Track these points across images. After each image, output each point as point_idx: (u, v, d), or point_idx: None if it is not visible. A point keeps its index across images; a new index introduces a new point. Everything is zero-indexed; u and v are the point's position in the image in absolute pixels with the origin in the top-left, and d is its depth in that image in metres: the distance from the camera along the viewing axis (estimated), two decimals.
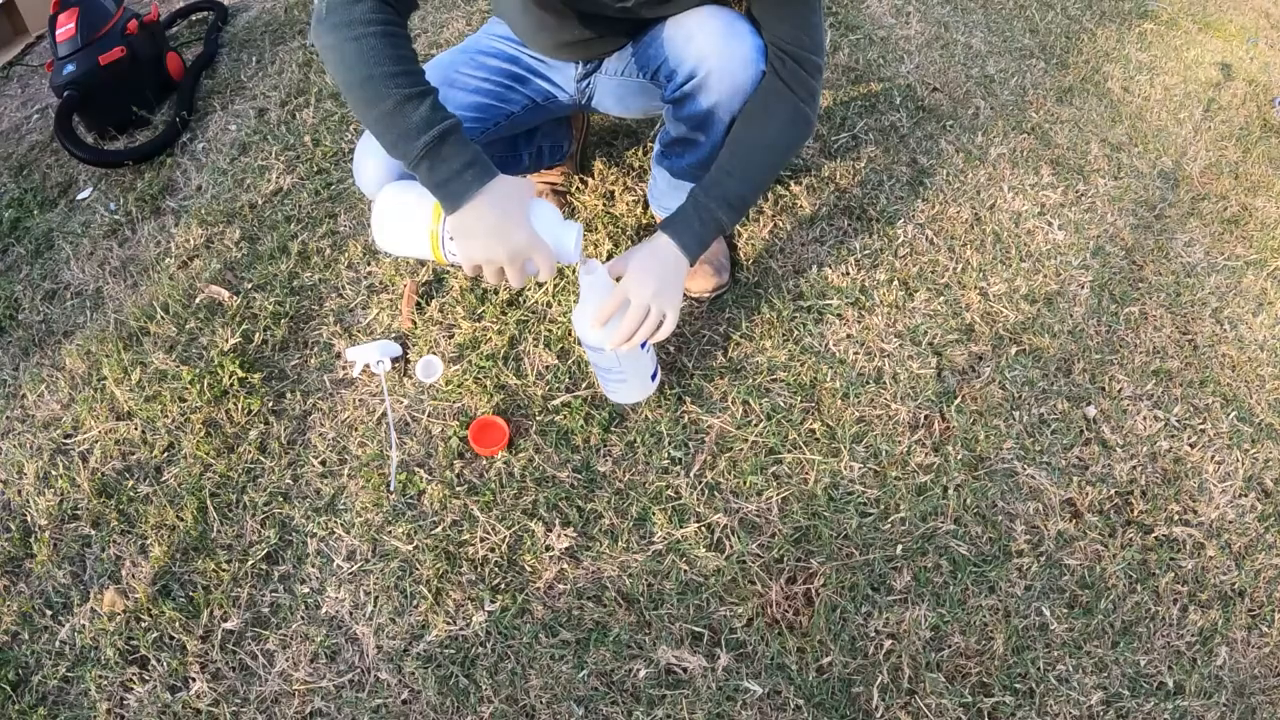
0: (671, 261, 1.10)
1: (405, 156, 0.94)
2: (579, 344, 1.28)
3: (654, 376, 1.30)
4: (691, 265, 1.12)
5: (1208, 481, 1.34)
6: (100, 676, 1.09)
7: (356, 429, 1.32)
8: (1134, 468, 1.34)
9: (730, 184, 1.11)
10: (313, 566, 1.19)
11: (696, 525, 1.21)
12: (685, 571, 1.18)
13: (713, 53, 1.09)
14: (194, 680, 1.09)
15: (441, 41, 2.07)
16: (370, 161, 1.15)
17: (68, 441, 1.33)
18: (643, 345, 1.18)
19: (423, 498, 1.24)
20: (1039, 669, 1.13)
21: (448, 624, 1.13)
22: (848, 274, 1.54)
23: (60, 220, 1.73)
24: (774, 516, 1.23)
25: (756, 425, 1.32)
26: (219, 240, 1.61)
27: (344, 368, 1.40)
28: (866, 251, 1.58)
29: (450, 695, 1.08)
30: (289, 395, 1.37)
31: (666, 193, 1.42)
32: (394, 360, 1.38)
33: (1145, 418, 1.40)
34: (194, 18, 2.30)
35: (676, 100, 1.17)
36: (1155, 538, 1.26)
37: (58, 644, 1.13)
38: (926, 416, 1.35)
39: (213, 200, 1.69)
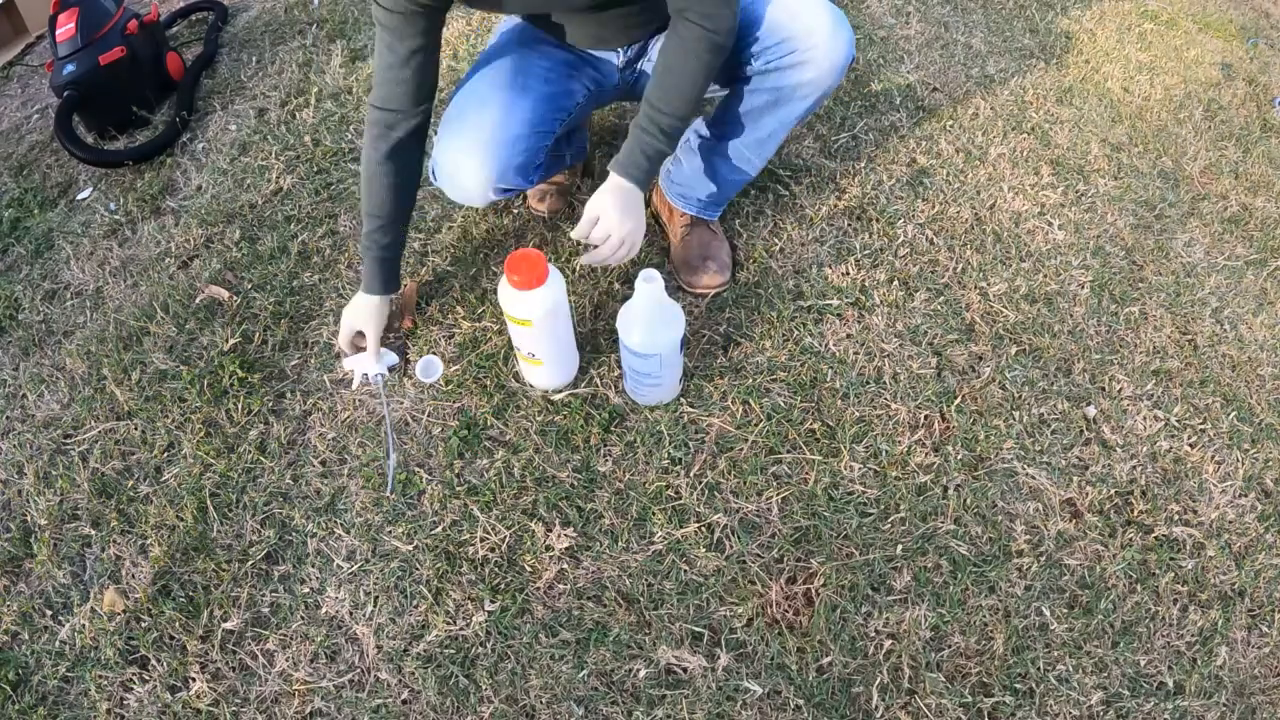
0: (634, 197, 1.20)
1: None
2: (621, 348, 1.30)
3: (681, 379, 1.33)
4: (644, 194, 1.22)
5: (1208, 481, 1.34)
6: (100, 676, 1.09)
7: (356, 429, 1.32)
8: (1134, 468, 1.34)
9: (660, 116, 1.16)
10: (313, 566, 1.19)
11: (696, 525, 1.21)
12: (685, 571, 1.18)
13: (824, 29, 1.16)
14: (194, 680, 1.09)
15: (442, 41, 2.06)
16: (473, 158, 1.21)
17: (68, 441, 1.33)
18: (681, 347, 1.25)
19: (423, 498, 1.24)
20: (1039, 669, 1.13)
21: (448, 624, 1.13)
22: (848, 274, 1.54)
23: (60, 220, 1.73)
24: (774, 516, 1.23)
25: (756, 425, 1.32)
26: (219, 240, 1.61)
27: (345, 373, 1.40)
28: (866, 251, 1.58)
29: (450, 695, 1.08)
30: (289, 395, 1.37)
31: (693, 180, 1.45)
32: (391, 368, 1.38)
33: (1145, 418, 1.40)
34: (194, 18, 2.30)
35: (768, 71, 1.21)
36: (1155, 538, 1.26)
37: (58, 644, 1.13)
38: (926, 416, 1.35)
39: (213, 200, 1.69)
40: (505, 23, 1.35)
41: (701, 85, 1.15)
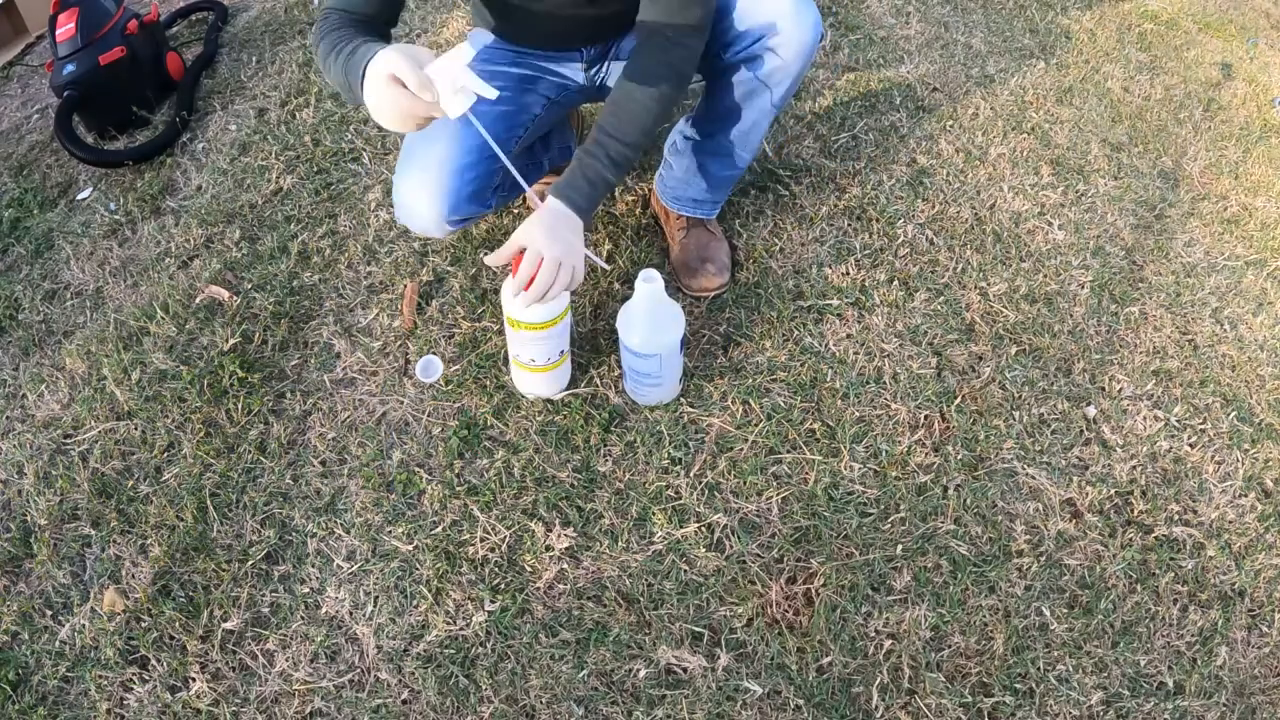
0: (567, 220, 1.14)
1: (346, 91, 1.04)
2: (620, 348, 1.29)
3: (680, 379, 1.33)
4: (585, 223, 1.15)
5: (1208, 481, 1.34)
6: (100, 676, 1.09)
7: (356, 429, 1.32)
8: (1134, 468, 1.34)
9: (609, 141, 1.14)
10: (313, 566, 1.19)
11: (696, 525, 1.21)
12: (685, 571, 1.18)
13: (787, 14, 1.16)
14: (194, 680, 1.09)
15: (442, 41, 2.07)
16: (423, 193, 1.19)
17: (68, 441, 1.33)
18: (681, 347, 1.25)
19: (423, 498, 1.24)
20: (1039, 669, 1.13)
21: (448, 624, 1.13)
22: (848, 274, 1.54)
23: (60, 220, 1.73)
24: (774, 516, 1.23)
25: (756, 425, 1.32)
26: (219, 240, 1.61)
27: (344, 369, 1.40)
28: (866, 251, 1.58)
29: (450, 695, 1.08)
30: (289, 395, 1.37)
31: (685, 181, 1.44)
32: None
33: (1145, 418, 1.40)
34: (194, 18, 2.30)
35: (739, 62, 1.21)
36: (1155, 538, 1.26)
37: (58, 644, 1.13)
38: (926, 416, 1.35)
39: (213, 200, 1.69)
40: (474, 36, 1.35)
41: (658, 116, 1.15)
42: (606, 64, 1.35)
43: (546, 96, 1.33)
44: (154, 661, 1.10)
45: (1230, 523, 1.29)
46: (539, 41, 1.30)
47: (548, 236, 1.11)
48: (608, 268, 1.51)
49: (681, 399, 1.35)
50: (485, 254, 1.55)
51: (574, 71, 1.34)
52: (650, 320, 1.19)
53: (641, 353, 1.22)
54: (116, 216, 1.70)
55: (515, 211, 1.63)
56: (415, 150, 1.22)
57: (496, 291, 1.49)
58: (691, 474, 1.27)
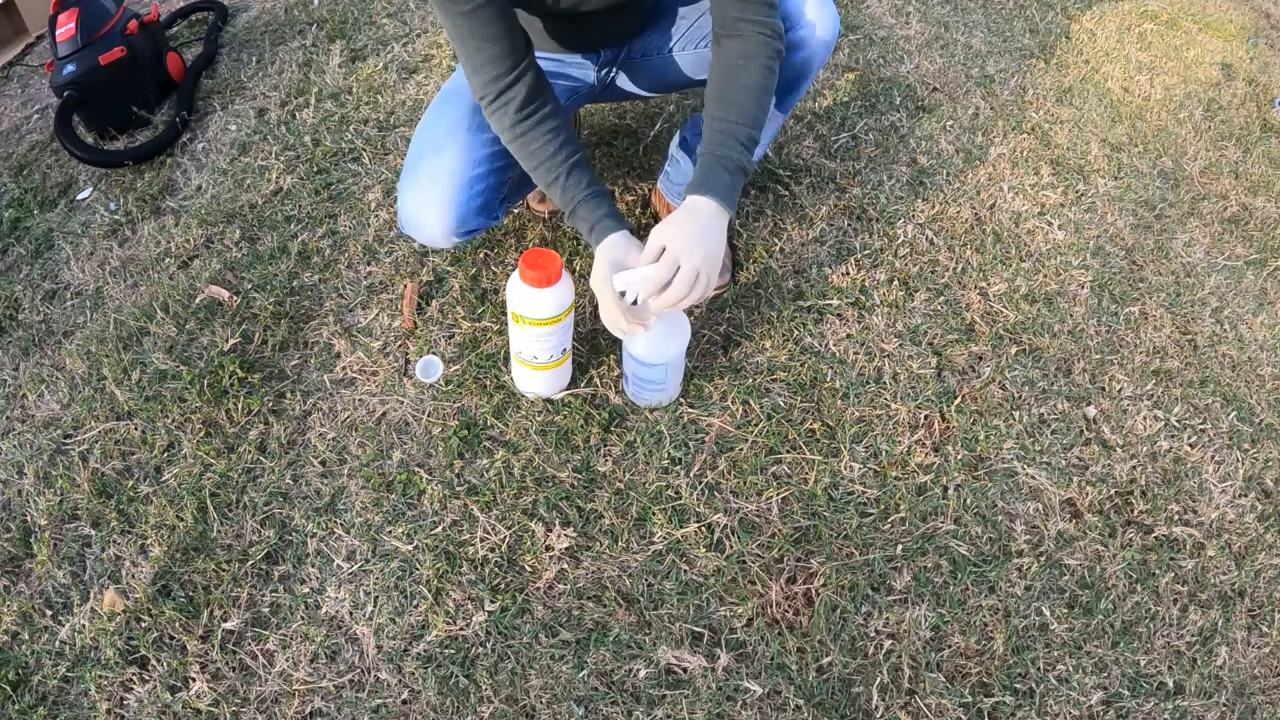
0: (713, 219, 1.07)
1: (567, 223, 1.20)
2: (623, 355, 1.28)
3: (681, 381, 1.34)
4: (732, 215, 1.10)
5: (1208, 481, 1.34)
6: (100, 676, 1.09)
7: (356, 429, 1.32)
8: (1134, 468, 1.34)
9: (735, 128, 1.09)
10: (313, 566, 1.19)
11: (696, 525, 1.21)
12: (685, 571, 1.18)
13: (810, 6, 1.17)
14: (194, 680, 1.09)
15: (443, 40, 2.07)
16: (430, 206, 1.19)
17: (68, 441, 1.33)
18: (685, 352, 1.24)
19: (423, 498, 1.24)
20: (1039, 669, 1.13)
21: (448, 624, 1.13)
22: (848, 274, 1.54)
23: (60, 220, 1.73)
24: (774, 516, 1.23)
25: (756, 425, 1.32)
26: (219, 240, 1.61)
27: (344, 369, 1.40)
28: (866, 251, 1.58)
29: (450, 695, 1.08)
30: (289, 395, 1.37)
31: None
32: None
33: (1145, 418, 1.40)
34: (194, 18, 2.30)
35: None
36: (1155, 538, 1.26)
37: (58, 644, 1.13)
38: (926, 416, 1.35)
39: (213, 200, 1.69)
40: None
41: (768, 99, 1.10)
42: (617, 66, 1.35)
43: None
44: (154, 661, 1.10)
45: (1230, 523, 1.29)
46: (556, 44, 1.28)
47: (691, 242, 1.04)
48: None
49: (681, 399, 1.35)
50: (486, 254, 1.55)
51: (586, 72, 1.33)
52: (655, 330, 1.18)
53: (648, 361, 1.21)
54: (116, 216, 1.70)
55: (515, 211, 1.63)
56: (422, 160, 1.21)
57: (496, 291, 1.49)
58: (691, 474, 1.27)
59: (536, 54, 1.29)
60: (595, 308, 1.46)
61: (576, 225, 1.13)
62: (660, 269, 1.04)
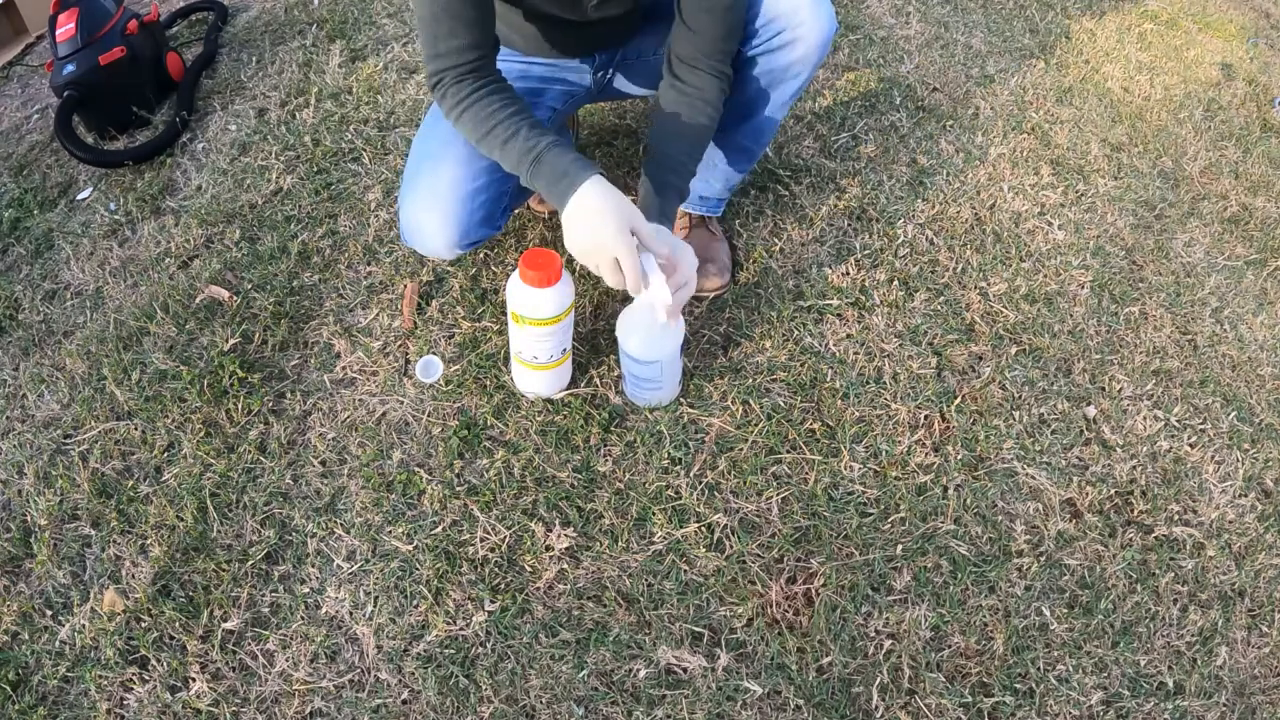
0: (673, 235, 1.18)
1: (525, 181, 1.09)
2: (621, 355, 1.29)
3: (680, 381, 1.33)
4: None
5: (1208, 481, 1.34)
6: (100, 676, 1.09)
7: (356, 429, 1.32)
8: (1134, 468, 1.34)
9: (682, 160, 1.20)
10: (313, 566, 1.19)
11: (696, 525, 1.21)
12: (685, 571, 1.18)
13: (805, 6, 1.18)
14: (194, 680, 1.09)
15: None
16: (432, 219, 1.19)
17: (68, 441, 1.33)
18: (680, 351, 1.25)
19: (423, 498, 1.24)
20: (1039, 669, 1.13)
21: (448, 624, 1.13)
22: (848, 274, 1.54)
23: (60, 220, 1.73)
24: (774, 516, 1.23)
25: (756, 425, 1.32)
26: (219, 240, 1.61)
27: (344, 369, 1.40)
28: (866, 251, 1.58)
29: (450, 695, 1.08)
30: (289, 395, 1.37)
31: (696, 178, 1.44)
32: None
33: (1145, 418, 1.40)
34: (194, 18, 2.30)
35: (758, 55, 1.22)
36: (1155, 538, 1.26)
37: (58, 644, 1.13)
38: (926, 416, 1.35)
39: (213, 200, 1.69)
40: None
41: (706, 144, 1.21)
42: (614, 67, 1.35)
43: (553, 108, 1.32)
44: (154, 661, 1.10)
45: (1230, 523, 1.29)
46: (553, 49, 1.29)
47: (689, 253, 1.16)
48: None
49: (681, 399, 1.35)
50: (485, 254, 1.55)
51: (582, 76, 1.34)
52: (650, 327, 1.18)
53: (642, 359, 1.21)
54: (116, 216, 1.70)
55: (515, 211, 1.63)
56: (423, 170, 1.20)
57: (497, 291, 1.49)
58: (691, 474, 1.27)
59: (532, 59, 1.30)
60: (595, 308, 1.46)
61: (539, 179, 1.05)
62: (684, 270, 1.14)
